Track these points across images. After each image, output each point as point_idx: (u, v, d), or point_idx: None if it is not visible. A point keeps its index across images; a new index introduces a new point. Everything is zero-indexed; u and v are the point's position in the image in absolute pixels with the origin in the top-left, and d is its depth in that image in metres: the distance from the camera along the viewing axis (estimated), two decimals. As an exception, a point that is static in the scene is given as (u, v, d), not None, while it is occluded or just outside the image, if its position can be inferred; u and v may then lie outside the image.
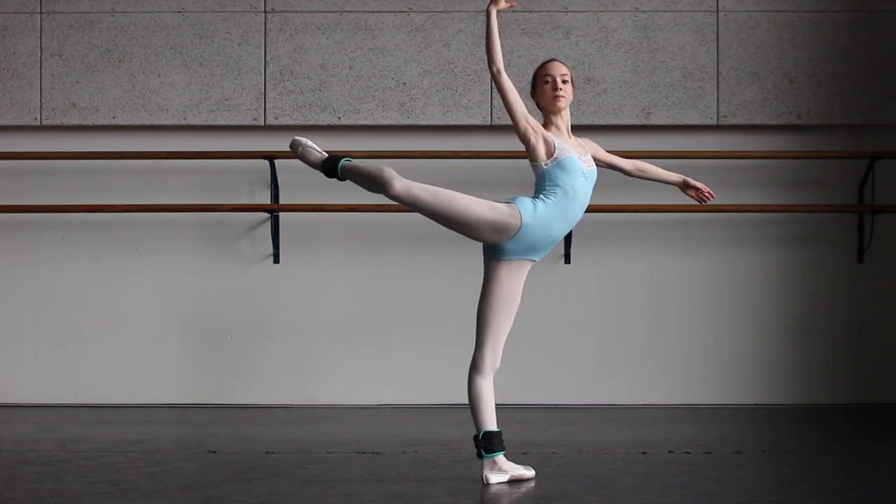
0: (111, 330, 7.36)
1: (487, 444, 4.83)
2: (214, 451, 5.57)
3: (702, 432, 6.31)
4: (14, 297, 7.39)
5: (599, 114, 7.27)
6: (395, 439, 6.01)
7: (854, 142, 7.36)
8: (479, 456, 4.85)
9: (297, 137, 4.96)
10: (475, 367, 4.90)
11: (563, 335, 7.32)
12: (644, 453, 5.50)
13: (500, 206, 4.73)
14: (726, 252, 7.37)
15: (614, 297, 7.37)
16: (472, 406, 4.87)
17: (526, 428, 6.38)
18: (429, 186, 4.68)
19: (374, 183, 4.68)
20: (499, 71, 4.75)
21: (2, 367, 7.37)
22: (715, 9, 7.32)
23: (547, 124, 4.91)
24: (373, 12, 7.34)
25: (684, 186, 5.20)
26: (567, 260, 7.33)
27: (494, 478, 4.78)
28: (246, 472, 5.03)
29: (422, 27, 7.33)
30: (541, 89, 4.89)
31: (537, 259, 4.87)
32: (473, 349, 4.90)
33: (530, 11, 7.27)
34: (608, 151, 5.18)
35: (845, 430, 6.52)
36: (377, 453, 5.53)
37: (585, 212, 7.08)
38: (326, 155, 4.85)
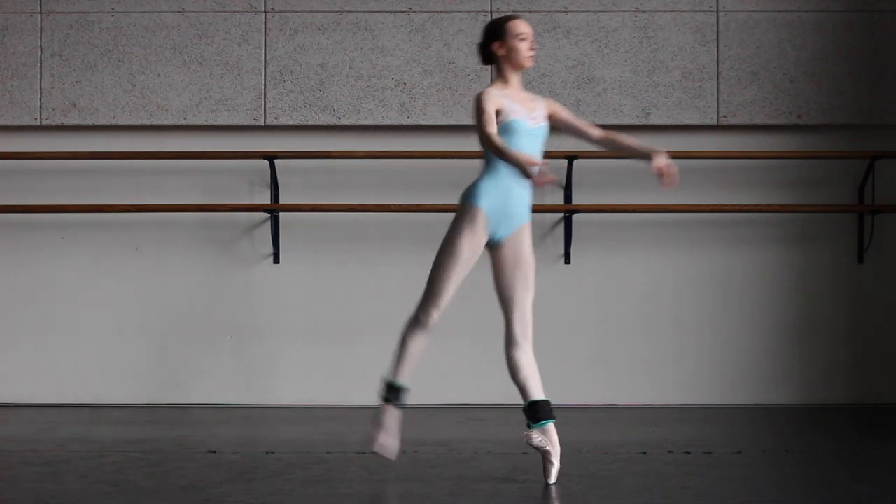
0: (111, 330, 7.36)
1: (534, 412, 4.88)
2: (214, 451, 5.57)
3: (702, 432, 6.31)
4: (14, 297, 7.39)
5: (599, 114, 7.26)
6: (395, 439, 6.00)
7: (854, 142, 7.37)
8: (528, 426, 4.87)
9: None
10: (508, 342, 4.93)
11: (562, 335, 7.32)
12: (644, 453, 5.50)
13: (457, 230, 4.84)
14: (726, 252, 7.37)
15: (614, 297, 7.36)
16: (514, 379, 5.00)
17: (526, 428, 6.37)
18: (433, 290, 4.97)
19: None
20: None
21: (2, 367, 7.37)
22: (715, 9, 7.32)
23: (502, 81, 4.93)
24: (373, 12, 7.34)
25: (655, 162, 4.81)
26: (567, 260, 7.33)
27: (536, 438, 4.81)
28: (246, 472, 5.02)
29: (422, 27, 7.33)
30: (513, 45, 4.89)
31: (526, 220, 4.89)
32: (504, 324, 4.91)
33: (530, 11, 7.27)
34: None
35: (845, 430, 6.52)
36: (377, 453, 5.52)
37: (585, 212, 7.15)
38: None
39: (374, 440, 4.94)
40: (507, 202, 4.83)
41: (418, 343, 5.00)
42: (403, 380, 4.98)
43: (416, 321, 5.00)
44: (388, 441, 4.94)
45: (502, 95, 4.85)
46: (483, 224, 4.82)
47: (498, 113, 4.81)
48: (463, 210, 4.85)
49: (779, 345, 7.33)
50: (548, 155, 7.08)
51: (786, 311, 7.34)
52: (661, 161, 4.79)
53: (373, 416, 4.96)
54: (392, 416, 4.96)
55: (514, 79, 4.94)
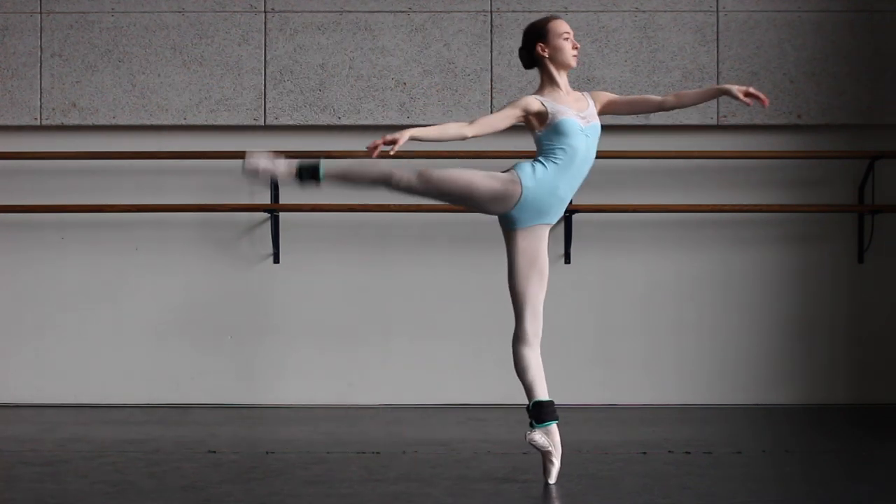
0: (111, 330, 7.36)
1: (538, 413, 4.83)
2: (214, 451, 5.57)
3: (702, 432, 6.31)
4: (14, 297, 7.39)
5: (599, 114, 7.26)
6: (395, 439, 6.01)
7: (854, 142, 7.37)
8: (531, 426, 4.82)
9: (249, 159, 4.90)
10: (518, 339, 4.88)
11: (562, 335, 7.31)
12: (644, 453, 5.50)
13: (500, 174, 4.76)
14: (726, 252, 7.36)
15: (614, 296, 7.36)
16: (521, 377, 4.89)
17: (526, 428, 6.37)
18: (430, 169, 4.72)
19: (372, 178, 4.71)
20: (469, 135, 4.74)
21: (2, 367, 7.37)
22: (715, 9, 7.32)
23: (549, 83, 4.89)
24: (373, 12, 7.34)
25: (736, 93, 4.84)
26: (567, 260, 7.33)
27: (539, 438, 4.78)
28: (246, 472, 5.02)
29: (422, 27, 7.33)
30: (558, 45, 4.85)
31: (552, 222, 4.86)
32: (515, 324, 4.87)
33: (530, 11, 7.27)
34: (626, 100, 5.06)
35: (845, 430, 6.52)
36: (377, 453, 5.53)
37: (585, 212, 7.15)
38: (294, 162, 4.83)
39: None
40: (549, 197, 4.78)
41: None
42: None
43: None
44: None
45: (549, 99, 4.83)
46: (515, 199, 4.75)
47: (544, 116, 4.78)
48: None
49: (779, 345, 7.33)
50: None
51: (786, 311, 7.34)
52: (739, 89, 4.82)
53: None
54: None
55: (562, 80, 4.89)
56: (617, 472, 5.06)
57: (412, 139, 4.67)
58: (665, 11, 7.33)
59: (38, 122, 7.36)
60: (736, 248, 7.36)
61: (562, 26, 4.89)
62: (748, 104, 4.85)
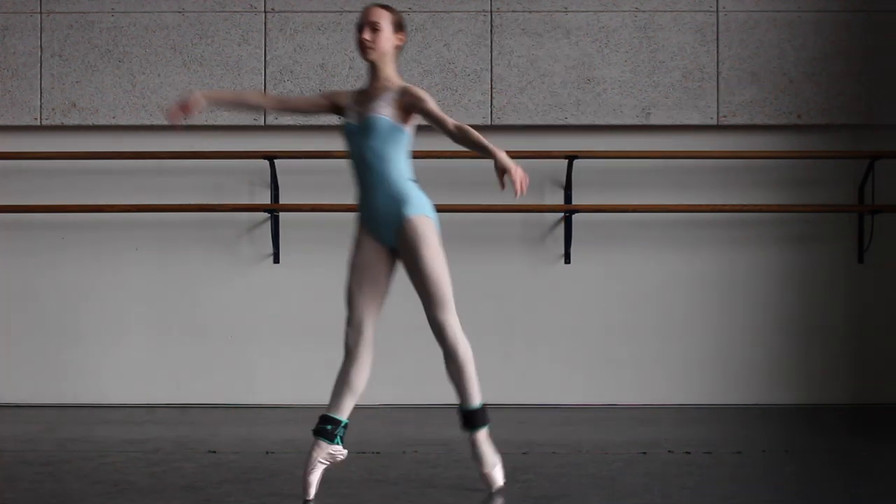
0: (111, 330, 7.36)
1: (481, 416, 4.72)
2: (214, 451, 5.57)
3: (702, 432, 6.31)
4: (14, 297, 7.39)
5: (599, 114, 7.27)
6: (395, 439, 6.01)
7: (854, 142, 7.36)
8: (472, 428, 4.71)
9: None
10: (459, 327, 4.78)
11: (562, 335, 7.32)
12: (644, 453, 5.50)
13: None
14: (726, 252, 7.36)
15: (614, 297, 7.36)
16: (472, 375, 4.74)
17: (526, 428, 6.38)
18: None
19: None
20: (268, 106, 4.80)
21: (2, 367, 7.37)
22: (715, 9, 7.32)
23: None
24: (373, 12, 7.33)
25: (498, 167, 4.39)
26: (567, 260, 7.33)
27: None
28: (246, 472, 5.03)
29: (422, 27, 7.33)
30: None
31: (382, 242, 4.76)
32: (451, 311, 4.82)
33: (530, 11, 7.27)
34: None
35: (845, 430, 6.53)
36: (377, 453, 5.53)
37: (585, 212, 7.15)
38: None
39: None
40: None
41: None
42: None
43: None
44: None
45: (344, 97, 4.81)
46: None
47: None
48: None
49: (779, 345, 7.33)
50: (547, 154, 7.15)
51: (786, 311, 7.34)
52: (508, 167, 4.37)
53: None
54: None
55: (371, 73, 4.73)
56: (617, 472, 5.06)
57: (207, 99, 4.65)
58: (665, 11, 7.33)
59: (38, 122, 7.36)
60: (736, 248, 7.36)
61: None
62: (501, 187, 4.46)
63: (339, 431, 4.65)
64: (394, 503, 4.46)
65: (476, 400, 4.70)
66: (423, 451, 5.57)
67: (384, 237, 4.71)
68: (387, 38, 4.65)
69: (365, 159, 4.64)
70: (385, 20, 4.65)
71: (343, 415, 4.69)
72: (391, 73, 4.69)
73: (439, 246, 4.67)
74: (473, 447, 4.71)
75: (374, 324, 4.82)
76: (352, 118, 4.68)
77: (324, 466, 4.61)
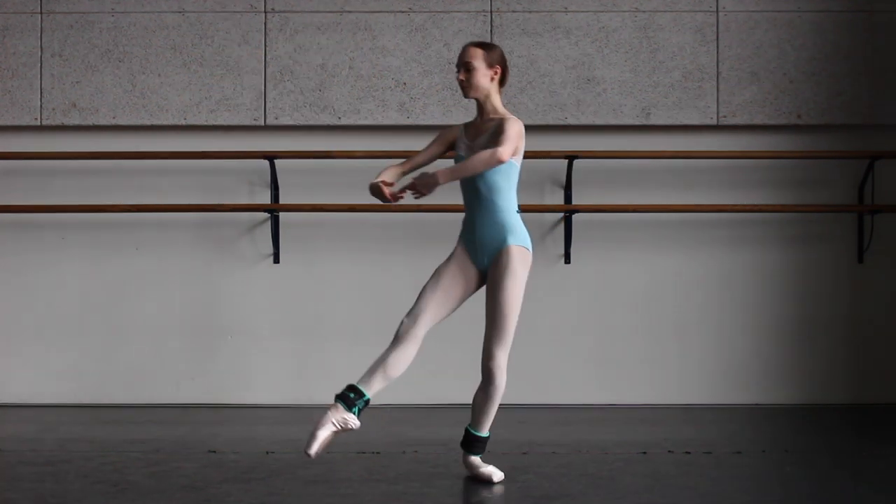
0: (111, 330, 7.36)
1: (483, 444, 5.09)
2: (214, 451, 5.57)
3: (702, 432, 6.31)
4: (14, 298, 7.39)
5: (599, 114, 7.27)
6: (395, 439, 6.01)
7: (854, 142, 7.37)
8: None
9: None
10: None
11: (562, 335, 7.32)
12: (644, 453, 5.51)
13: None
14: (726, 252, 7.37)
15: (614, 296, 7.37)
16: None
17: (526, 428, 6.39)
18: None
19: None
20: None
21: (2, 367, 7.37)
22: (715, 9, 7.33)
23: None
24: (373, 12, 7.34)
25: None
26: (567, 260, 7.33)
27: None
28: (246, 472, 5.03)
29: (422, 27, 7.33)
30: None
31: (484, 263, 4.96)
32: (507, 347, 4.98)
33: (530, 11, 7.27)
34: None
35: (845, 430, 6.52)
36: (377, 453, 5.53)
37: (585, 212, 7.15)
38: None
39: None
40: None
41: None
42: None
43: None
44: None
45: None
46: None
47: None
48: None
49: (779, 345, 7.33)
50: (547, 154, 7.15)
51: (786, 311, 7.34)
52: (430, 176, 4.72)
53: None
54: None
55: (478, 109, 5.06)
56: (617, 472, 5.07)
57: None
58: (665, 11, 7.33)
59: (38, 122, 7.36)
60: (736, 248, 7.37)
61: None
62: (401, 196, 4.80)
63: (360, 403, 4.77)
64: (394, 503, 4.46)
65: (486, 429, 5.02)
66: (423, 451, 5.58)
67: (480, 261, 4.94)
68: (482, 76, 4.90)
69: (477, 190, 4.88)
70: (477, 59, 4.91)
71: (369, 391, 4.82)
72: (496, 105, 4.97)
73: (524, 283, 4.87)
74: (465, 462, 5.04)
75: (429, 325, 4.98)
76: (462, 150, 4.96)
77: (334, 429, 4.70)
